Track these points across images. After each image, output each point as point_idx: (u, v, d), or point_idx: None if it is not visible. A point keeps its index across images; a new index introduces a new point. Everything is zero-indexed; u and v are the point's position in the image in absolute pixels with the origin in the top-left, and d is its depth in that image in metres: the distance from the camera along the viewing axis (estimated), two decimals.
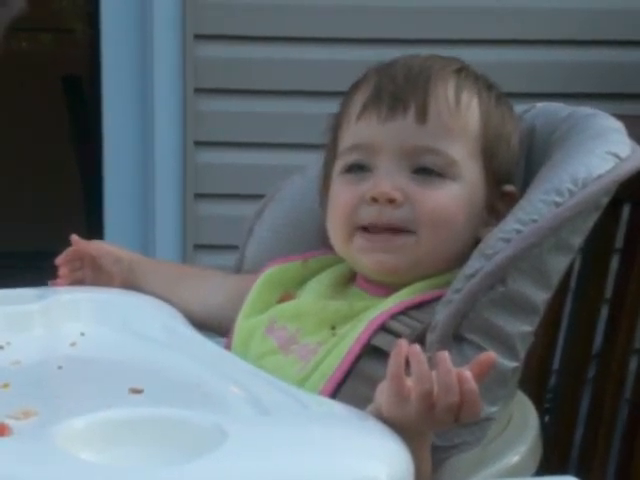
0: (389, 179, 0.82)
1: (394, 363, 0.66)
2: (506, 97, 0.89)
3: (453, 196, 0.82)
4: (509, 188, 0.86)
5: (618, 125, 0.85)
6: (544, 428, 0.93)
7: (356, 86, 0.87)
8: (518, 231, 0.78)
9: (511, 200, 0.84)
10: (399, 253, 0.82)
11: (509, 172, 0.86)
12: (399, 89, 0.83)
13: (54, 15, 3.57)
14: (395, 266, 0.82)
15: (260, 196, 1.03)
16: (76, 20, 3.49)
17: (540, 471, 0.86)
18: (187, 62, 1.68)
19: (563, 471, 1.18)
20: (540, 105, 0.92)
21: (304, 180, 0.98)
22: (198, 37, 1.68)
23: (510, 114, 0.87)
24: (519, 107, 0.92)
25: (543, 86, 1.64)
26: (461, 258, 0.82)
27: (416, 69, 0.84)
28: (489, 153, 0.84)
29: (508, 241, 0.78)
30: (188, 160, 1.71)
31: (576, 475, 0.72)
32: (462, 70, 0.86)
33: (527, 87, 1.45)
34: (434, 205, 0.81)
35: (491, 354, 0.68)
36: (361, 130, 0.84)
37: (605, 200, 0.82)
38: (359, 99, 0.85)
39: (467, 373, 0.66)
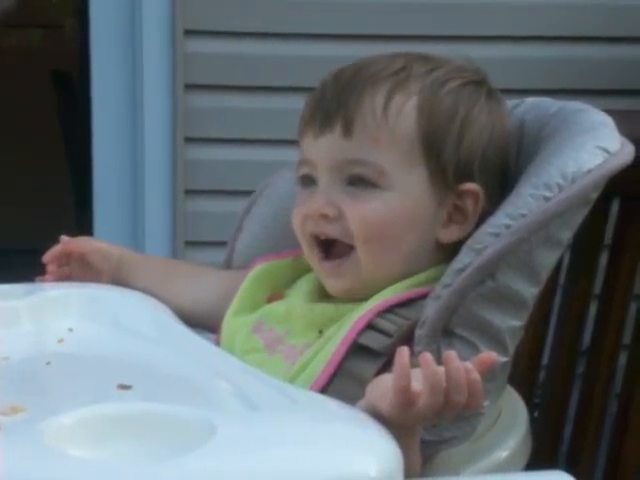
0: (324, 194, 0.83)
1: (400, 376, 0.65)
2: (476, 85, 0.85)
3: (384, 205, 0.81)
4: (469, 186, 0.83)
5: (608, 120, 0.85)
6: (533, 423, 0.93)
7: (308, 99, 0.87)
8: (507, 226, 0.78)
9: (476, 197, 0.83)
10: (347, 276, 0.83)
11: (466, 168, 0.83)
12: (328, 104, 0.83)
13: (43, 11, 3.56)
14: (347, 288, 0.84)
15: (250, 192, 1.03)
16: (65, 16, 3.48)
17: (529, 466, 0.87)
18: (177, 58, 1.68)
19: (552, 466, 1.18)
20: (530, 100, 0.92)
21: (293, 175, 0.98)
22: (188, 33, 1.68)
23: (471, 105, 0.83)
24: (508, 103, 0.91)
25: (532, 82, 1.64)
26: (425, 260, 0.83)
27: (345, 80, 0.84)
28: (434, 153, 0.82)
29: (497, 235, 0.78)
30: (178, 156, 1.70)
31: (565, 469, 0.72)
32: (404, 69, 0.84)
33: (516, 83, 1.45)
34: (361, 217, 0.81)
35: (492, 354, 0.68)
36: (304, 145, 0.86)
37: (594, 195, 0.82)
38: (305, 113, 0.87)
39: (469, 364, 0.66)
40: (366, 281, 0.83)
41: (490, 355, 0.68)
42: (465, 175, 0.83)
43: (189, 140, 1.70)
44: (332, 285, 0.85)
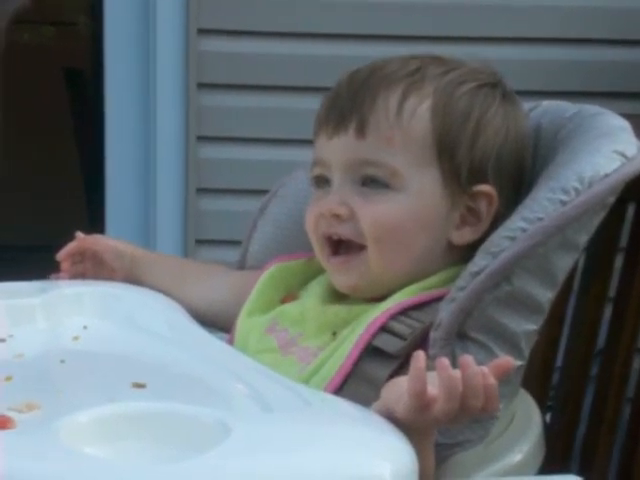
0: (338, 194, 0.83)
1: (416, 379, 0.65)
2: (491, 88, 0.84)
3: (397, 207, 0.81)
4: (482, 188, 0.83)
5: (625, 124, 0.84)
6: (547, 426, 0.93)
7: (324, 99, 0.87)
8: (524, 229, 0.78)
9: (489, 199, 0.83)
10: (354, 272, 0.83)
11: (479, 170, 0.83)
12: (342, 105, 0.83)
13: (55, 8, 3.57)
14: (353, 285, 0.84)
15: (262, 191, 1.03)
16: (78, 13, 3.49)
17: (542, 469, 0.86)
18: (190, 56, 1.68)
19: (565, 469, 1.18)
20: (546, 103, 0.92)
21: (307, 175, 0.98)
22: (201, 31, 1.68)
23: (486, 107, 0.83)
24: (524, 105, 0.91)
25: (545, 84, 1.64)
26: (436, 262, 0.82)
27: (360, 81, 0.84)
28: (447, 154, 0.82)
29: (514, 239, 0.78)
30: (190, 155, 1.71)
31: (578, 473, 0.72)
32: (419, 70, 0.83)
33: (529, 84, 1.45)
34: (373, 219, 0.81)
35: (509, 358, 0.68)
36: (319, 145, 0.86)
37: (611, 199, 0.81)
38: (320, 113, 0.87)
39: (486, 369, 0.66)
40: (374, 280, 0.83)
41: (507, 359, 0.67)
42: (479, 177, 0.83)
43: (201, 139, 1.71)
44: (339, 281, 0.85)
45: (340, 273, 0.84)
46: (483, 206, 0.83)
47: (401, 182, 0.82)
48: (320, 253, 0.86)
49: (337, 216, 0.83)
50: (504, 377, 0.68)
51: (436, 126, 0.82)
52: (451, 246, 0.83)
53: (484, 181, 0.83)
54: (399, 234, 0.82)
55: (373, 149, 0.82)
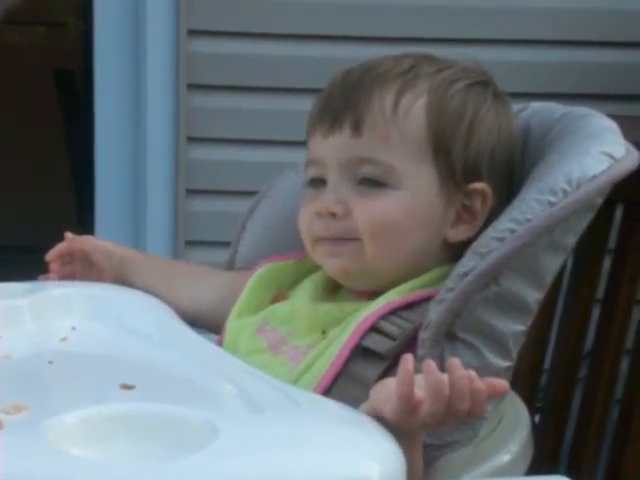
0: (334, 193, 0.83)
1: (404, 382, 0.65)
2: (483, 86, 0.85)
3: (394, 204, 0.82)
4: (477, 186, 0.83)
5: (613, 125, 0.85)
6: (535, 427, 0.93)
7: (316, 99, 0.87)
8: (512, 230, 0.78)
9: (484, 197, 0.83)
10: (346, 257, 0.83)
11: (474, 167, 0.83)
12: (336, 105, 0.84)
13: (46, 8, 3.56)
14: (344, 270, 0.84)
15: (252, 192, 1.03)
16: (68, 13, 3.49)
17: (530, 470, 0.87)
18: (180, 57, 1.68)
19: (553, 470, 1.19)
20: (535, 104, 0.92)
21: (297, 177, 0.98)
22: (191, 32, 1.68)
23: (479, 105, 0.84)
24: (514, 107, 0.91)
25: (536, 85, 1.64)
26: (431, 259, 0.83)
27: (354, 80, 0.84)
28: (443, 152, 0.82)
29: (502, 240, 0.78)
30: (180, 156, 1.70)
31: (566, 474, 0.72)
32: (413, 69, 0.84)
33: (520, 86, 1.45)
34: (370, 216, 0.82)
35: (506, 384, 0.68)
36: (313, 145, 0.86)
37: (599, 201, 0.82)
38: (313, 113, 0.87)
39: (473, 373, 0.66)
40: (367, 270, 0.83)
41: (503, 383, 0.68)
42: (473, 175, 0.83)
43: (191, 140, 1.71)
44: (332, 265, 0.84)
45: (333, 256, 0.84)
46: (478, 204, 0.83)
47: (398, 179, 0.82)
48: (311, 249, 0.86)
49: (333, 214, 0.83)
50: (494, 396, 0.68)
51: (431, 123, 0.82)
52: (446, 244, 0.84)
53: (478, 179, 0.84)
54: (395, 231, 0.82)
55: (369, 147, 0.82)
